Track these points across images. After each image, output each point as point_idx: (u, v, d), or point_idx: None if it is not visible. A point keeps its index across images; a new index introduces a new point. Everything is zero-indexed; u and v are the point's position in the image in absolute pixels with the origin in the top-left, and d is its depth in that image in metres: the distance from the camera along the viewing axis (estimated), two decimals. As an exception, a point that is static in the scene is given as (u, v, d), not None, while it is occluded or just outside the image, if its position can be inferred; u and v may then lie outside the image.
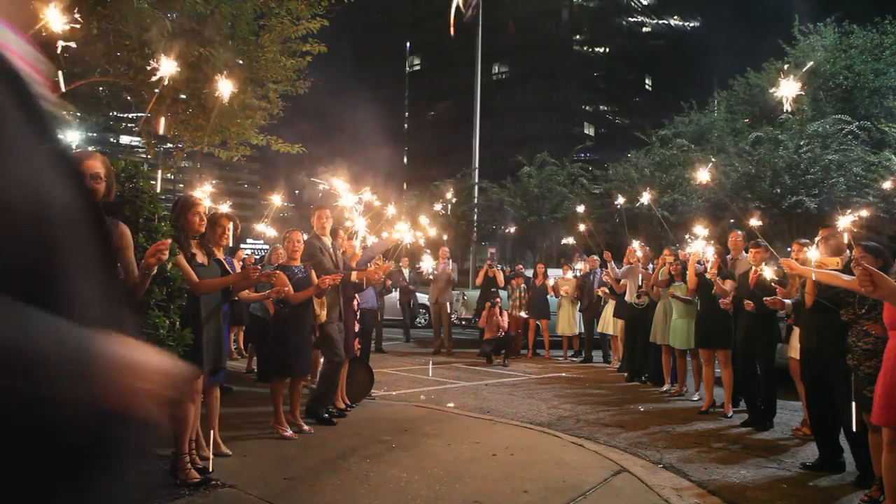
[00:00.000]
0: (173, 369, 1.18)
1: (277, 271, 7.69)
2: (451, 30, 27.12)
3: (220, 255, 6.86)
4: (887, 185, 10.87)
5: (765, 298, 8.32)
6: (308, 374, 8.91)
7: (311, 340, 8.45)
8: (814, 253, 7.15)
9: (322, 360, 9.13)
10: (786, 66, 27.59)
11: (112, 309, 1.27)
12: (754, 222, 9.92)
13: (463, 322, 21.15)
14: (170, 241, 4.63)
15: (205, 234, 6.56)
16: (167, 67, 6.05)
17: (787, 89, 6.07)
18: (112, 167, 5.59)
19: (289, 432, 7.88)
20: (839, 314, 6.66)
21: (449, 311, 17.85)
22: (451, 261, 18.15)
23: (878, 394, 5.66)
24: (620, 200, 16.20)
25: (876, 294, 4.97)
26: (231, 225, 7.17)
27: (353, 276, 8.99)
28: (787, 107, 6.01)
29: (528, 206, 35.63)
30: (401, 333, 20.74)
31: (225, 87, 6.40)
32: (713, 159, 23.84)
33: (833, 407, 7.09)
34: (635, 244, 13.52)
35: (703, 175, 8.90)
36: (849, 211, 7.29)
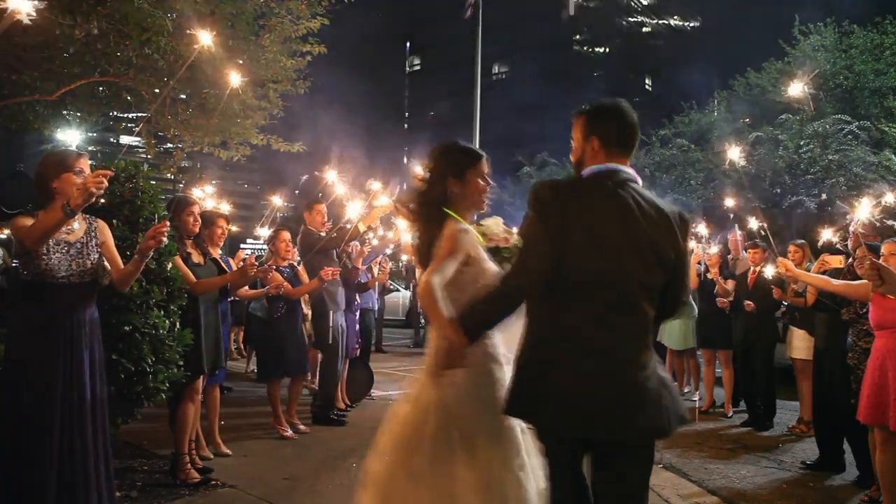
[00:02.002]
0: None
1: (272, 268, 7.69)
2: (465, 14, 26.99)
3: (216, 254, 6.86)
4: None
5: (774, 288, 8.34)
6: (306, 372, 8.90)
7: (304, 338, 8.46)
8: (828, 232, 7.14)
9: (319, 357, 9.16)
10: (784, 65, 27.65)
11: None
12: (754, 222, 9.91)
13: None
14: (168, 224, 4.61)
15: (200, 234, 6.56)
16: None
17: (795, 90, 6.13)
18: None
19: (289, 432, 7.89)
20: (841, 313, 6.69)
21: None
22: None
23: (864, 393, 5.71)
24: None
25: (882, 289, 5.06)
26: (225, 223, 7.18)
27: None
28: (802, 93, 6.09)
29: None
30: (400, 334, 20.75)
31: (234, 79, 6.40)
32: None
33: (836, 407, 7.09)
34: None
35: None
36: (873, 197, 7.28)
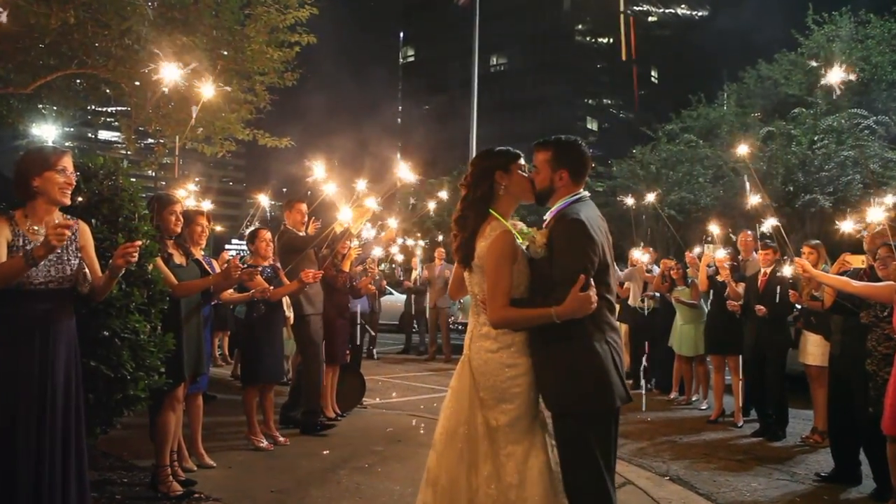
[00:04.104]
0: None
1: (258, 272, 7.66)
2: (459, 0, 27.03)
3: (198, 254, 6.84)
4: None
5: (791, 292, 8.37)
6: (280, 379, 8.87)
7: (282, 344, 8.43)
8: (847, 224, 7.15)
9: (299, 364, 9.13)
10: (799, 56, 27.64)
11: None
12: (768, 222, 9.88)
13: (460, 327, 21.12)
14: (139, 242, 4.56)
15: (181, 234, 6.53)
16: (169, 73, 6.20)
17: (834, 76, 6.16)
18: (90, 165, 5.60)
19: (264, 443, 7.86)
20: (860, 316, 6.68)
21: (448, 315, 17.79)
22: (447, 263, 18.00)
23: (887, 402, 5.70)
24: (630, 201, 15.67)
25: None
26: (206, 221, 7.17)
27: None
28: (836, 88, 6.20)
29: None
30: (392, 339, 20.74)
31: (207, 91, 6.42)
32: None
33: (853, 416, 7.08)
34: (636, 253, 13.42)
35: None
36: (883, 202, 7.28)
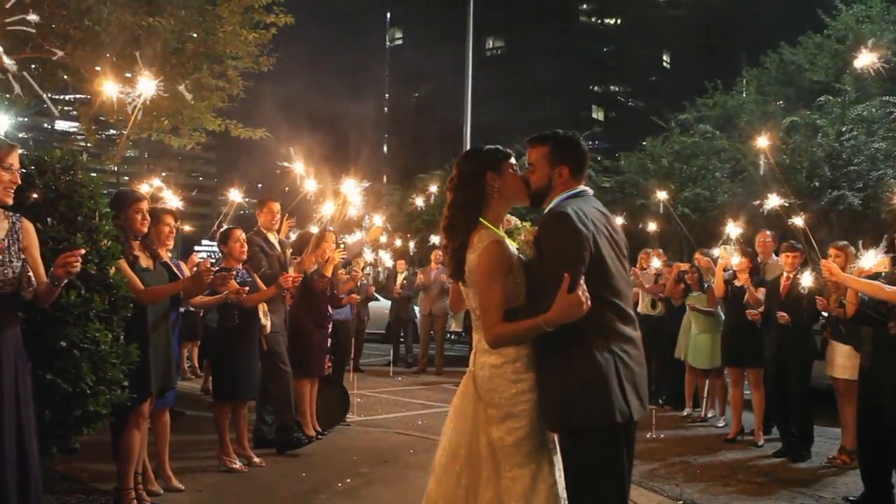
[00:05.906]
0: None
1: (233, 275, 7.64)
2: None
3: (165, 257, 6.83)
4: None
5: (818, 298, 8.35)
6: (255, 396, 8.83)
7: (258, 356, 8.39)
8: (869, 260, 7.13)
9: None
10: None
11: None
12: (793, 221, 9.85)
13: (452, 336, 21.06)
14: (82, 250, 4.53)
15: (148, 235, 6.51)
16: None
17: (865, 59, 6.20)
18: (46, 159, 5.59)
19: (237, 464, 7.85)
20: (888, 327, 6.66)
21: (445, 324, 17.73)
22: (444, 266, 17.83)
23: None
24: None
25: None
26: (173, 220, 7.16)
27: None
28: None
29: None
30: (378, 350, 20.75)
31: (147, 86, 6.45)
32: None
33: (885, 435, 7.07)
34: (643, 259, 13.43)
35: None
36: None
